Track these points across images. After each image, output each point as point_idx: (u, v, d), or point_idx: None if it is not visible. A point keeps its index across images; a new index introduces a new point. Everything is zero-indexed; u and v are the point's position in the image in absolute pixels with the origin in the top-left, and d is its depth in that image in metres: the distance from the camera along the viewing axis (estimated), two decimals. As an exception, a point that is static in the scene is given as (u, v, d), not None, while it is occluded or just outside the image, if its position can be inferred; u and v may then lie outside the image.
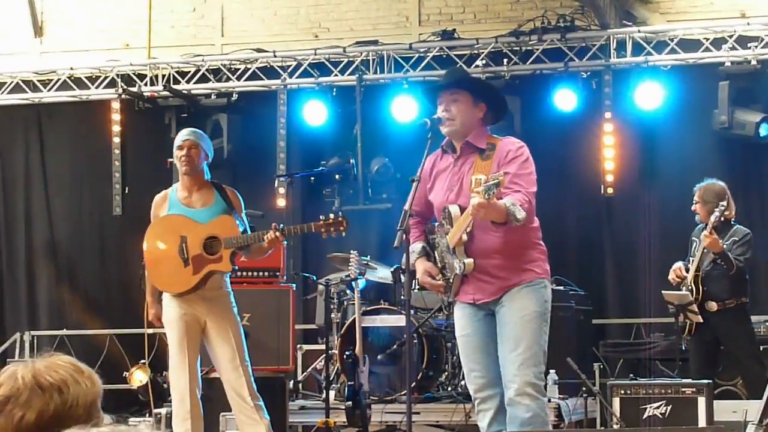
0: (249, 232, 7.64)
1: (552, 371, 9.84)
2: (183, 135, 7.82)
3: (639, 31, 12.01)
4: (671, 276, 9.38)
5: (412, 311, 9.08)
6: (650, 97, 11.79)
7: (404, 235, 5.95)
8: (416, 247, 6.32)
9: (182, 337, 7.53)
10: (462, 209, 6.10)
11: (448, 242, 6.14)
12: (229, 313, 7.63)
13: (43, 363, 2.90)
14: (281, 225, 7.50)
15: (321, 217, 7.57)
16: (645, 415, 7.96)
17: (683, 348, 9.63)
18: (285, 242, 8.22)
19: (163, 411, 10.45)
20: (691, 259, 9.34)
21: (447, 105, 6.25)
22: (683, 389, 7.92)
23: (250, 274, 9.81)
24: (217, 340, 7.56)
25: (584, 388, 8.69)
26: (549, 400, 9.54)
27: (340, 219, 7.47)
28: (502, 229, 6.05)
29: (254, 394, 7.54)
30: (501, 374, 6.17)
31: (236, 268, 7.76)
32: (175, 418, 7.50)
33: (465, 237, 6.09)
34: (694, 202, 9.41)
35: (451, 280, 6.22)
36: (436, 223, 6.33)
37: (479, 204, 5.70)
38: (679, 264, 9.41)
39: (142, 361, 11.76)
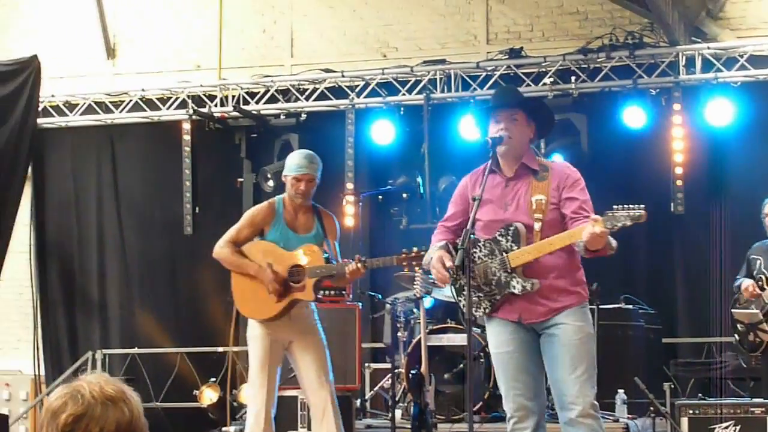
0: (338, 258, 7.65)
1: (620, 391, 9.78)
2: (302, 166, 7.72)
3: (708, 48, 11.91)
4: (746, 295, 9.26)
5: (478, 330, 9.08)
6: (720, 113, 11.67)
7: (465, 254, 5.94)
8: (440, 243, 6.30)
9: (265, 355, 7.54)
10: (528, 228, 6.10)
11: (509, 260, 6.11)
12: (314, 330, 7.68)
13: (97, 378, 2.95)
14: (364, 257, 7.52)
15: (403, 250, 7.55)
16: (713, 436, 7.88)
17: (749, 365, 9.53)
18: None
19: (232, 429, 10.52)
20: (762, 276, 9.23)
21: (507, 124, 6.25)
22: (752, 409, 7.85)
23: (316, 298, 9.83)
24: (303, 357, 7.58)
25: (652, 408, 8.61)
26: (617, 420, 9.53)
27: (422, 253, 7.45)
28: (560, 251, 6.06)
29: (337, 411, 7.56)
30: (538, 396, 6.17)
31: (320, 296, 7.75)
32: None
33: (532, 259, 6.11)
34: (767, 214, 9.31)
35: (497, 297, 6.19)
36: (479, 238, 6.28)
37: (602, 232, 5.71)
38: (750, 282, 9.31)
39: (212, 379, 11.87)
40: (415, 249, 7.46)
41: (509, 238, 6.14)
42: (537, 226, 6.08)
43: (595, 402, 6.09)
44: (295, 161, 7.75)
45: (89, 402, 2.87)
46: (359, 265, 7.43)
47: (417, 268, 9.59)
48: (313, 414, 7.63)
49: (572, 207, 6.09)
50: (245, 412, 8.21)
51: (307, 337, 7.61)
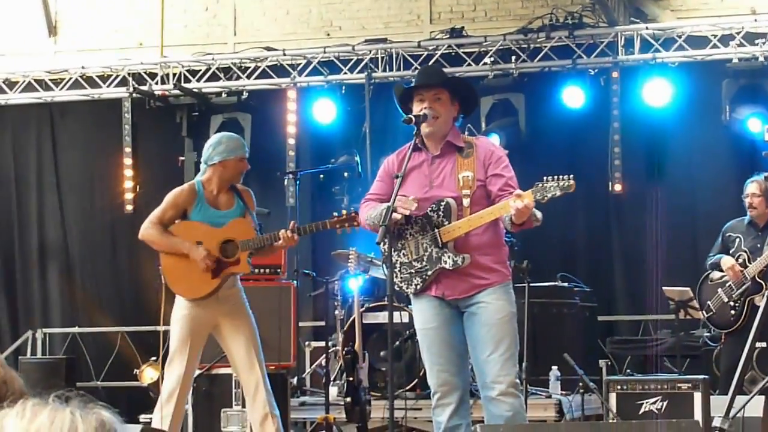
0: (259, 230, 7.68)
1: (554, 368, 9.87)
2: (245, 147, 7.77)
3: (647, 28, 11.99)
4: (730, 274, 9.34)
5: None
6: (658, 94, 11.77)
7: (387, 231, 5.98)
8: (386, 204, 6.18)
9: (186, 337, 7.54)
10: (457, 203, 6.16)
11: (440, 235, 6.17)
12: (243, 310, 7.68)
13: None
14: (297, 225, 7.55)
15: (334, 213, 7.62)
16: (641, 411, 7.95)
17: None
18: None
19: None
20: (743, 254, 9.33)
21: (431, 103, 6.30)
22: (679, 385, 7.91)
23: (251, 270, 9.84)
24: (233, 337, 7.60)
25: (581, 384, 8.71)
26: (550, 396, 9.63)
27: (353, 215, 7.50)
28: (487, 229, 6.16)
29: (268, 388, 7.59)
30: (462, 371, 6.27)
31: (253, 268, 7.78)
32: (157, 412, 7.53)
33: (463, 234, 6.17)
34: (752, 194, 9.39)
35: (429, 273, 6.24)
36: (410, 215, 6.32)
37: (528, 205, 5.80)
38: (731, 261, 9.37)
39: (153, 358, 11.85)
40: (344, 212, 7.54)
41: (440, 213, 6.21)
42: (466, 201, 6.17)
43: (517, 380, 6.21)
44: (235, 144, 7.72)
45: None
46: (291, 232, 7.46)
47: (351, 248, 9.69)
48: (245, 392, 7.67)
49: (499, 184, 6.18)
50: None
51: (236, 318, 7.63)
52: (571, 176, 5.91)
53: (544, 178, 5.94)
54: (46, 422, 2.12)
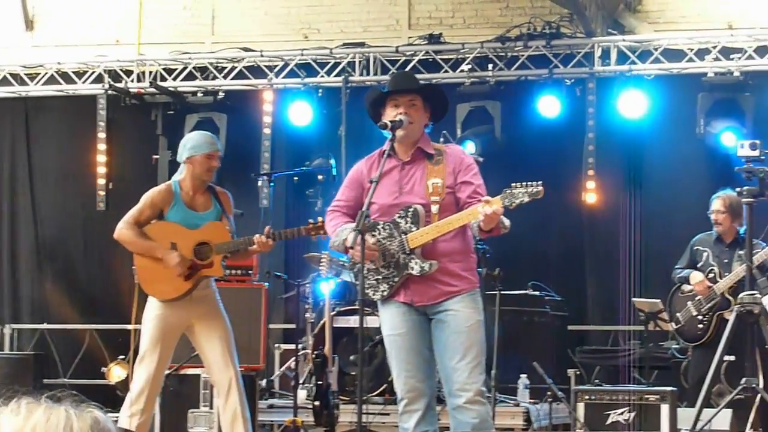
0: (234, 232, 7.67)
1: (523, 376, 9.90)
2: (213, 143, 7.71)
3: (624, 40, 12.05)
4: (699, 289, 9.36)
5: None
6: (633, 105, 11.81)
7: (359, 236, 5.97)
8: (349, 225, 6.24)
9: (159, 337, 7.51)
10: (426, 210, 6.16)
11: (407, 241, 6.17)
12: (217, 311, 7.67)
13: None
14: (272, 230, 7.55)
15: (310, 221, 7.63)
16: (609, 421, 7.99)
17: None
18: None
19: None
20: (713, 269, 9.35)
21: (406, 109, 6.30)
22: (647, 396, 7.96)
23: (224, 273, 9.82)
24: (208, 338, 7.58)
25: (549, 393, 8.73)
26: (518, 404, 9.66)
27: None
28: (456, 236, 6.16)
29: (241, 390, 7.57)
30: (429, 378, 6.25)
31: (228, 271, 7.77)
32: (124, 411, 7.50)
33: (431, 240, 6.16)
34: (716, 211, 9.39)
35: (396, 279, 6.24)
36: (378, 221, 6.31)
37: (497, 211, 5.81)
38: (701, 276, 9.38)
39: (121, 356, 11.80)
40: (320, 219, 7.51)
41: (408, 219, 6.20)
42: (435, 208, 6.16)
43: (484, 388, 6.19)
44: (204, 140, 7.73)
45: None
46: (266, 238, 7.47)
47: (323, 251, 9.69)
48: (217, 392, 7.66)
49: (467, 191, 6.19)
50: None
51: (210, 320, 7.62)
52: (540, 183, 5.91)
53: (512, 184, 5.95)
54: (42, 419, 2.13)
